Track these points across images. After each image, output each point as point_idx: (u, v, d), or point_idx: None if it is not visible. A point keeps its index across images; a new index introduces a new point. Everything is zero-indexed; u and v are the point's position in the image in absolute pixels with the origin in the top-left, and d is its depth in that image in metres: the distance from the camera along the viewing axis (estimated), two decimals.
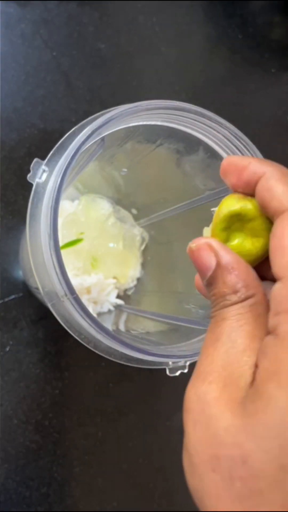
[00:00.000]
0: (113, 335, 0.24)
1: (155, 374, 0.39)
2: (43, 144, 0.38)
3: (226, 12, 0.44)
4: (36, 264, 0.25)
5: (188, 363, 0.27)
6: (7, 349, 0.36)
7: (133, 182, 0.37)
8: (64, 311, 0.24)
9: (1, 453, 0.35)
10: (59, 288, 0.23)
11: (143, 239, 0.39)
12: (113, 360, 0.26)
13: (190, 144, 0.29)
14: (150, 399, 0.39)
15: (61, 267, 0.23)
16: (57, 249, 0.23)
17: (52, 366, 0.37)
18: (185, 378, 0.42)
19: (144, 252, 0.39)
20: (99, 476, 0.37)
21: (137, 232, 0.38)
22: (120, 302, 0.38)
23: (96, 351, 0.26)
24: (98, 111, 0.40)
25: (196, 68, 0.43)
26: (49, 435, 0.36)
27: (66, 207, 0.37)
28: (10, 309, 0.36)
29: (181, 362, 0.27)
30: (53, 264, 0.23)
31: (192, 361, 0.27)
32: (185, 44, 0.43)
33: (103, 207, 0.37)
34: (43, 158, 0.26)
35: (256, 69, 0.45)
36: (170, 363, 0.26)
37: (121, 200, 0.38)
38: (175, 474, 0.39)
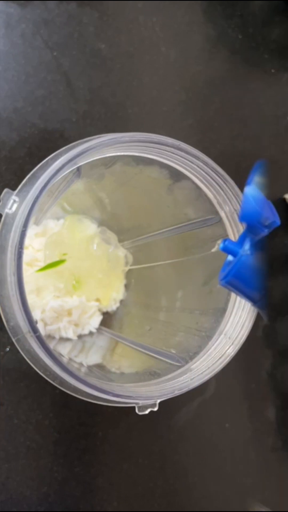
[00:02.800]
0: (77, 376, 0.24)
1: None
2: (44, 144, 0.38)
3: (226, 12, 0.44)
4: (2, 297, 0.24)
5: (158, 401, 0.26)
6: (7, 349, 0.36)
7: (120, 204, 0.36)
8: (29, 347, 0.24)
9: (2, 453, 0.35)
10: (22, 324, 0.23)
11: (127, 261, 0.38)
12: (80, 397, 0.26)
13: (176, 173, 0.29)
14: None
15: (24, 304, 0.22)
16: (20, 286, 0.22)
17: None
18: None
19: (128, 275, 0.38)
20: (99, 476, 0.37)
21: (122, 253, 0.37)
22: (103, 327, 0.37)
23: (62, 388, 0.25)
24: (99, 111, 0.40)
25: (196, 68, 0.43)
26: (49, 434, 0.36)
27: (50, 226, 0.36)
28: None
29: (151, 401, 0.26)
30: (17, 301, 0.22)
31: (162, 399, 0.27)
32: (185, 44, 0.43)
33: (88, 227, 0.37)
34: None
35: (256, 69, 0.45)
36: (140, 402, 0.26)
37: (106, 221, 0.38)
38: (176, 474, 0.39)
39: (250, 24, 0.45)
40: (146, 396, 0.26)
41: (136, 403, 0.26)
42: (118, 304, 0.38)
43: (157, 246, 0.36)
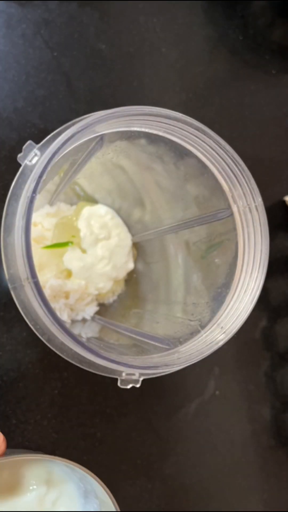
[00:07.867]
0: (66, 329, 0.23)
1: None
2: None
3: (226, 13, 0.44)
4: (6, 244, 0.24)
5: (141, 378, 0.26)
6: (7, 348, 0.36)
7: (126, 181, 0.37)
8: (24, 297, 0.24)
9: None
10: (22, 270, 0.23)
11: (131, 256, 0.38)
12: (65, 358, 0.25)
13: (182, 150, 0.29)
14: (149, 400, 0.39)
15: (28, 249, 0.23)
16: (27, 230, 0.23)
17: (51, 366, 0.37)
18: (184, 380, 0.42)
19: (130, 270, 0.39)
20: (97, 477, 0.37)
21: (128, 248, 0.38)
22: (96, 315, 0.37)
23: (49, 345, 0.25)
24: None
25: (197, 69, 0.43)
26: (48, 435, 0.36)
27: (63, 209, 0.37)
28: (9, 309, 0.36)
29: (135, 376, 0.26)
30: (21, 245, 0.23)
31: (146, 376, 0.26)
32: (186, 45, 0.43)
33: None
34: None
35: (256, 70, 0.45)
36: (124, 374, 0.26)
37: (119, 212, 0.38)
38: (174, 475, 0.39)
39: (251, 25, 0.45)
40: (131, 365, 0.25)
41: (120, 374, 0.25)
42: (115, 297, 0.38)
43: (161, 242, 0.37)
